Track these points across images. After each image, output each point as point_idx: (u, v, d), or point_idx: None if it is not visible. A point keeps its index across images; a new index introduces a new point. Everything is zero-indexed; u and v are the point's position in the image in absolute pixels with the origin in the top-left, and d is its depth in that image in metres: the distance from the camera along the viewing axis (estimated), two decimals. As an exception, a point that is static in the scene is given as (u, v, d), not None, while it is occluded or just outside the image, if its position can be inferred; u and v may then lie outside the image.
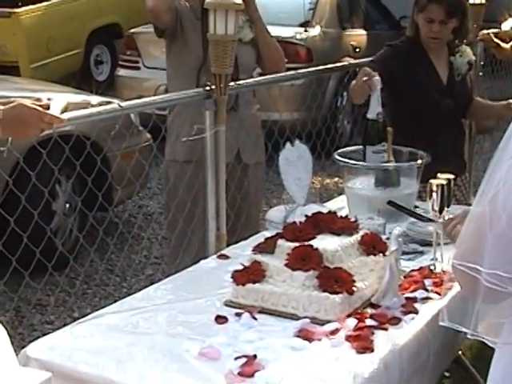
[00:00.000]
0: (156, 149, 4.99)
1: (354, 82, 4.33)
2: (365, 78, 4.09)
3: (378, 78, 4.09)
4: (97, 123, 5.42)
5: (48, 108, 2.90)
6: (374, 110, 4.09)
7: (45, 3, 12.34)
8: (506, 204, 1.89)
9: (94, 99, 6.44)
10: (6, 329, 2.24)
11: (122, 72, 10.74)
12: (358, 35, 11.21)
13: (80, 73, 12.84)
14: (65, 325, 3.10)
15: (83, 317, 3.14)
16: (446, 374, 4.22)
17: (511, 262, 1.89)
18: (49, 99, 2.95)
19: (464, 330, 2.16)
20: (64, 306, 5.46)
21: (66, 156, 4.41)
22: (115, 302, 3.27)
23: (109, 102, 4.72)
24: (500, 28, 6.24)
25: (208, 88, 4.00)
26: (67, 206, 6.28)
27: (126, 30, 12.29)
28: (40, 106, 2.86)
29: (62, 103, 2.95)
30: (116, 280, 5.88)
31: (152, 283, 3.54)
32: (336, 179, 7.24)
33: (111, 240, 4.89)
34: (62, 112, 2.94)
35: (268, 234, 3.52)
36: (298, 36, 9.94)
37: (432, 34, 4.60)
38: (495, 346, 2.15)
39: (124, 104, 3.90)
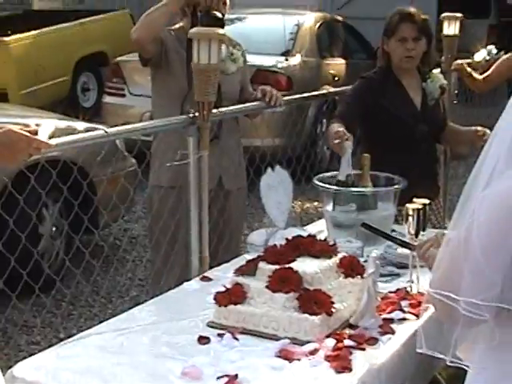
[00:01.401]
0: (141, 174, 5.00)
1: (331, 127, 4.34)
2: (336, 141, 4.09)
3: (349, 142, 4.10)
4: (83, 149, 5.43)
5: (36, 133, 2.89)
6: (344, 172, 4.08)
7: (34, 32, 12.38)
8: (479, 236, 1.91)
9: (81, 125, 6.44)
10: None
11: (108, 99, 10.74)
12: (337, 64, 11.26)
13: (67, 99, 12.85)
14: (51, 345, 3.09)
15: (69, 337, 3.13)
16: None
17: (486, 290, 1.90)
18: (37, 125, 2.96)
19: (443, 357, 2.16)
20: (50, 326, 5.45)
21: (53, 180, 4.41)
22: (100, 322, 3.25)
23: (95, 129, 4.70)
24: (473, 58, 6.29)
25: (191, 115, 4.01)
26: (54, 229, 6.25)
27: (112, 58, 12.32)
28: (28, 131, 2.86)
29: (49, 129, 2.95)
30: (101, 301, 5.85)
31: (137, 304, 3.53)
32: (316, 203, 7.23)
33: (97, 262, 4.86)
34: (50, 137, 2.94)
35: (249, 256, 3.51)
36: (279, 65, 9.95)
37: (407, 53, 4.61)
38: (469, 370, 2.16)
39: (110, 130, 3.88)
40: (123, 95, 10.36)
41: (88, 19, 13.80)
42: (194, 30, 4.02)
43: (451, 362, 2.14)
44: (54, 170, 4.35)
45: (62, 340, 3.13)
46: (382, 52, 4.78)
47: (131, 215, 7.61)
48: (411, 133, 4.53)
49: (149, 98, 6.83)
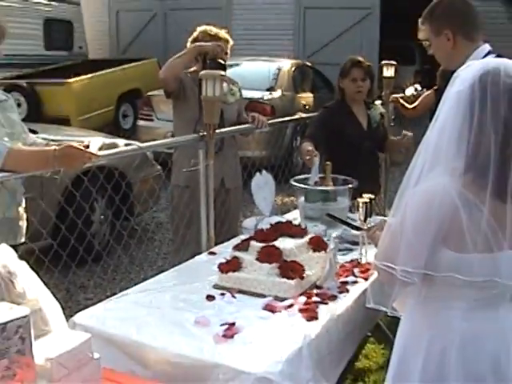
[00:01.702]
0: (164, 176, 4.94)
1: (303, 145, 4.31)
2: (307, 158, 4.08)
3: (316, 158, 4.09)
4: (122, 159, 5.39)
5: (88, 147, 2.87)
6: (313, 179, 4.06)
7: (88, 75, 12.31)
8: (411, 221, 1.90)
9: (121, 142, 6.38)
10: (60, 303, 2.20)
11: (141, 123, 10.65)
12: (307, 97, 11.22)
13: (112, 123, 12.75)
14: (100, 301, 3.04)
15: (113, 295, 3.11)
16: (369, 334, 4.20)
17: (415, 260, 1.89)
18: (89, 142, 2.93)
19: (385, 309, 2.14)
20: (100, 287, 5.42)
21: (101, 182, 4.39)
22: (135, 285, 3.21)
23: (131, 144, 4.68)
24: (404, 93, 6.26)
25: (201, 134, 3.96)
26: (101, 217, 6.21)
27: (144, 93, 12.26)
28: (82, 145, 2.83)
29: (98, 144, 2.92)
30: (136, 269, 5.81)
31: (162, 271, 3.47)
32: (291, 198, 7.17)
33: (132, 241, 4.84)
34: (99, 150, 2.91)
35: (243, 237, 3.45)
36: (265, 97, 9.89)
37: (357, 89, 4.57)
38: (402, 318, 2.15)
39: (142, 145, 3.86)
40: (152, 120, 10.26)
41: (128, 65, 13.70)
42: (203, 72, 3.96)
43: (391, 312, 2.12)
44: (101, 174, 4.33)
45: (108, 297, 3.07)
46: (337, 88, 4.75)
47: (157, 207, 7.56)
48: (360, 147, 4.49)
49: (171, 122, 6.80)
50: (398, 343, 2.13)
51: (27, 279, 2.09)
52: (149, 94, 10.59)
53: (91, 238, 4.93)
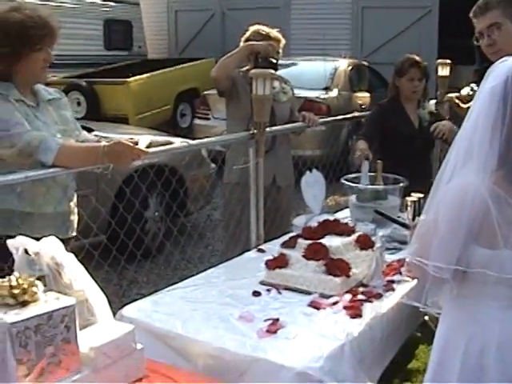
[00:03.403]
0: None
1: (357, 144, 4.41)
2: (359, 159, 4.24)
3: (367, 161, 4.16)
4: (179, 157, 5.43)
5: (137, 144, 2.92)
6: (364, 182, 4.12)
7: (146, 74, 12.45)
8: (443, 219, 1.90)
9: (177, 140, 6.45)
10: (107, 296, 2.26)
11: (198, 121, 10.75)
12: (363, 96, 11.09)
13: (170, 122, 12.89)
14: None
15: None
16: (418, 334, 4.17)
17: (447, 257, 1.90)
18: (138, 139, 2.98)
19: (419, 305, 2.13)
20: (152, 283, 5.46)
21: (154, 180, 4.40)
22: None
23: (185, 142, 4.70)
24: (460, 93, 6.18)
25: (252, 132, 3.99)
26: (156, 213, 6.28)
27: (201, 92, 12.38)
28: (132, 142, 2.88)
29: (146, 141, 2.96)
30: (188, 266, 5.87)
31: (212, 267, 3.50)
32: (345, 198, 7.09)
33: (187, 238, 4.87)
34: (147, 147, 2.96)
35: (291, 235, 3.48)
36: (322, 96, 9.87)
37: (414, 89, 4.60)
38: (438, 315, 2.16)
39: (193, 142, 3.87)
40: (208, 118, 10.34)
41: (185, 65, 13.81)
42: (253, 70, 3.99)
43: (423, 308, 2.12)
44: (156, 171, 4.36)
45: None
46: (392, 85, 4.74)
47: (213, 205, 7.61)
48: (411, 146, 4.47)
49: (226, 120, 6.82)
50: (437, 343, 2.12)
51: (74, 271, 2.15)
52: (205, 93, 10.66)
53: (143, 236, 4.95)
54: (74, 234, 3.12)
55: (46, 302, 1.96)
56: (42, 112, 2.96)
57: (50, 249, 2.12)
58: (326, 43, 14.91)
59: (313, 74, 10.49)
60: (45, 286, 2.05)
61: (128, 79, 12.05)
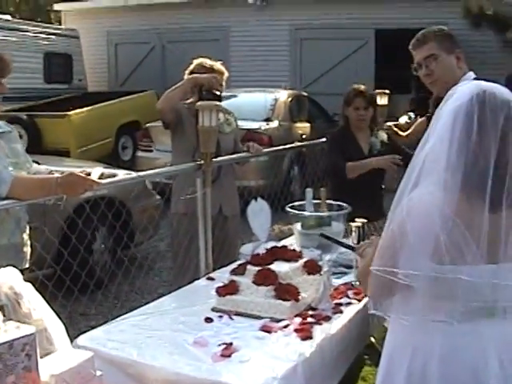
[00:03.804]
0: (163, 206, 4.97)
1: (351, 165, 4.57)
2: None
3: (310, 189, 4.30)
4: (122, 188, 5.45)
5: (89, 175, 2.98)
6: (308, 208, 4.24)
7: (88, 108, 12.49)
8: (412, 230, 1.95)
9: (121, 172, 6.50)
10: (65, 325, 2.30)
11: (140, 154, 10.77)
12: (303, 126, 11.33)
13: (111, 155, 12.88)
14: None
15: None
16: (366, 357, 4.27)
17: (416, 264, 1.95)
18: (90, 170, 3.04)
19: (384, 316, 2.16)
20: (101, 314, 5.47)
21: (102, 211, 4.45)
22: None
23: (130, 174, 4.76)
24: (398, 121, 6.39)
25: (198, 163, 4.07)
26: (103, 246, 6.29)
27: (143, 124, 12.42)
28: (84, 174, 2.94)
29: (98, 172, 3.03)
30: (137, 297, 5.88)
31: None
32: (289, 226, 7.15)
33: (133, 269, 4.88)
34: (99, 178, 3.02)
35: (241, 262, 3.55)
36: (263, 127, 9.98)
37: (360, 117, 4.76)
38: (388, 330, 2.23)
39: (141, 173, 3.95)
40: (151, 151, 10.38)
41: (126, 97, 13.89)
42: (200, 103, 4.09)
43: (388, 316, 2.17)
44: (102, 202, 4.41)
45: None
46: (342, 115, 4.91)
47: (157, 236, 7.63)
48: (343, 177, 4.59)
49: (168, 153, 6.82)
50: (384, 355, 2.20)
51: (33, 300, 2.19)
52: (148, 125, 10.73)
53: (93, 266, 5.00)
54: (27, 265, 3.15)
55: (6, 332, 1.99)
56: (-6, 145, 3.01)
57: (8, 279, 2.16)
58: (266, 75, 15.19)
59: (253, 105, 10.65)
60: (4, 315, 2.09)
61: (69, 112, 12.06)
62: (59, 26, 17.31)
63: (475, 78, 3.29)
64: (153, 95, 14.49)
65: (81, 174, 2.90)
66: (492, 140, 1.90)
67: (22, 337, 1.98)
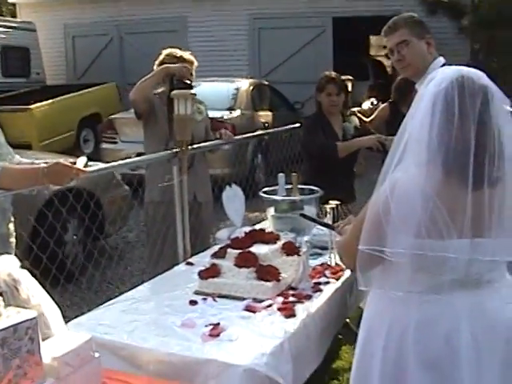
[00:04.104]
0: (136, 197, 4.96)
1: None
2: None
3: (282, 174, 4.31)
4: (91, 180, 5.42)
5: (75, 164, 3.03)
6: (281, 193, 4.28)
7: (49, 101, 12.42)
8: (395, 209, 2.04)
9: (92, 163, 6.49)
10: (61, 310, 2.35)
11: (104, 146, 10.66)
12: (266, 115, 11.41)
13: (73, 148, 12.80)
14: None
15: (89, 311, 3.18)
16: (340, 337, 4.38)
17: (401, 243, 2.04)
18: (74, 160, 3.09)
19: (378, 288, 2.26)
20: (76, 305, 5.49)
21: (72, 203, 4.41)
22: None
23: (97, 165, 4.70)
24: (361, 107, 6.52)
25: (174, 151, 4.13)
26: (74, 237, 6.29)
27: (104, 117, 12.39)
28: (70, 162, 2.99)
29: (83, 161, 3.08)
30: (110, 287, 5.93)
31: (135, 287, 3.53)
32: (256, 213, 7.20)
33: (105, 259, 4.91)
34: (84, 166, 3.07)
35: (217, 247, 3.61)
36: (226, 116, 10.03)
37: (331, 103, 4.87)
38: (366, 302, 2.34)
39: (120, 162, 3.99)
40: (116, 142, 10.33)
41: (86, 90, 13.82)
42: (174, 92, 4.14)
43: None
44: (71, 194, 4.38)
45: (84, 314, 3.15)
46: (315, 101, 5.00)
47: (126, 227, 7.66)
48: (335, 157, 4.71)
49: (134, 144, 6.79)
50: (363, 327, 2.30)
51: (30, 286, 2.24)
52: (112, 117, 10.70)
53: (64, 259, 4.98)
54: (13, 255, 3.18)
55: (8, 317, 2.04)
56: (-23, 138, 3.03)
57: (6, 266, 2.21)
58: (225, 64, 15.21)
59: (216, 94, 10.65)
60: (3, 302, 2.14)
61: (30, 106, 11.96)
62: (16, 19, 17.10)
63: (444, 64, 3.40)
64: (113, 87, 14.45)
65: (67, 163, 2.94)
66: (471, 123, 1.99)
67: (25, 321, 2.03)
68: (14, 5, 19.32)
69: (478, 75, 2.09)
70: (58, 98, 12.73)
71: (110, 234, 6.78)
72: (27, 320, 2.04)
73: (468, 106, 2.01)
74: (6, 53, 14.32)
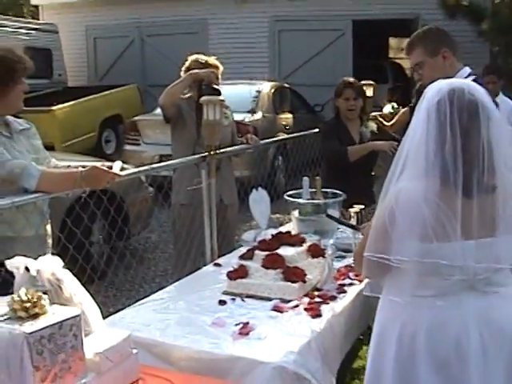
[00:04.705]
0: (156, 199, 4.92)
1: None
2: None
3: (306, 178, 4.38)
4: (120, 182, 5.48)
5: (111, 168, 3.15)
6: (305, 196, 4.34)
7: (71, 102, 12.55)
8: (400, 216, 2.14)
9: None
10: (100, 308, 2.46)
11: (127, 147, 10.73)
12: (286, 118, 11.45)
13: (95, 148, 12.93)
14: (105, 318, 3.22)
15: (117, 311, 3.27)
16: (361, 337, 4.46)
17: (406, 251, 2.14)
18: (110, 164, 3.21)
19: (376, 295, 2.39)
20: (103, 305, 5.57)
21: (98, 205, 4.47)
22: (137, 301, 3.39)
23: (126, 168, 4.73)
24: (382, 111, 6.57)
25: (203, 155, 4.24)
26: (100, 237, 6.39)
27: (125, 118, 12.51)
28: (107, 166, 3.11)
29: (119, 165, 3.20)
30: (136, 288, 6.04)
31: (161, 288, 3.65)
32: (277, 215, 7.25)
33: (132, 260, 4.97)
34: (120, 170, 3.19)
35: (243, 249, 3.73)
36: (247, 119, 10.06)
37: (349, 107, 4.95)
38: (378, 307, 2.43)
39: (153, 166, 4.09)
40: (138, 144, 10.40)
41: (108, 92, 13.94)
42: (204, 98, 4.25)
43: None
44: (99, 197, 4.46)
45: (111, 314, 3.18)
46: (333, 106, 5.09)
47: (150, 227, 7.76)
48: (346, 161, 4.80)
49: (157, 146, 6.80)
50: (374, 333, 2.39)
51: (72, 285, 2.37)
52: (135, 118, 10.80)
53: (96, 258, 5.06)
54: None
55: (54, 314, 2.16)
56: (17, 142, 3.16)
57: (50, 266, 2.33)
58: (245, 66, 15.31)
59: (237, 97, 10.67)
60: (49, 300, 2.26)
61: (53, 107, 12.10)
62: (39, 21, 17.28)
63: (470, 74, 3.48)
64: (134, 89, 14.58)
65: (103, 168, 3.06)
66: (459, 136, 2.10)
67: (70, 318, 2.15)
68: (36, 7, 19.52)
69: (471, 89, 2.18)
70: (81, 100, 12.87)
71: (133, 234, 6.89)
72: (71, 317, 2.16)
73: (456, 119, 2.11)
74: (28, 54, 14.45)
